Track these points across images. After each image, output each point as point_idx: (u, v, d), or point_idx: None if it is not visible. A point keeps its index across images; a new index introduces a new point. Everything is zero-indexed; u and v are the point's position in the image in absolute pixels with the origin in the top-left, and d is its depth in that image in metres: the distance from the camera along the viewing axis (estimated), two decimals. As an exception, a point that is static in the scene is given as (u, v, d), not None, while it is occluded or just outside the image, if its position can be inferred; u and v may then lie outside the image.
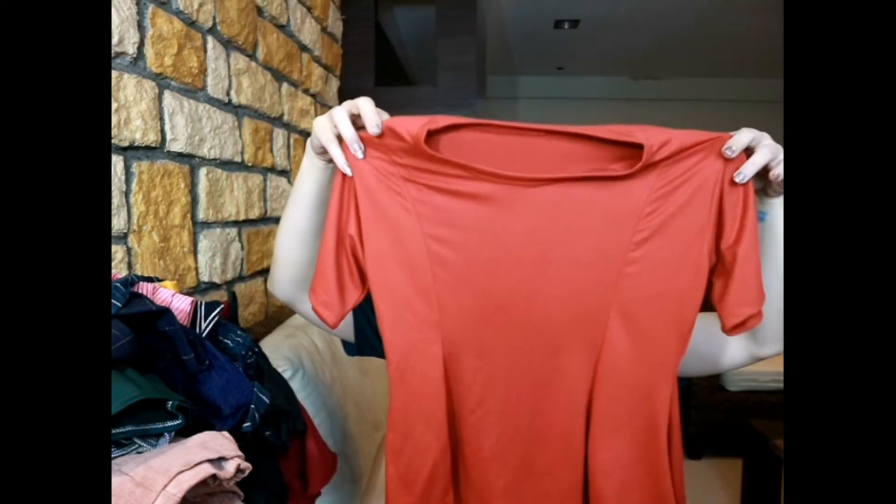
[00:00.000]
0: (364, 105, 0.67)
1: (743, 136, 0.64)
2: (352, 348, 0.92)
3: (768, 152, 0.64)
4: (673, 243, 0.65)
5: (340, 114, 0.68)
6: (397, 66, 3.54)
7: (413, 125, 0.65)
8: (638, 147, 0.63)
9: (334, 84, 2.19)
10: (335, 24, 2.19)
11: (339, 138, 0.69)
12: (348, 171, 0.68)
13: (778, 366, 2.62)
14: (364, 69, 2.29)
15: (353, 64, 2.26)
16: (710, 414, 2.68)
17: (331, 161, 0.72)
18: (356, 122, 0.68)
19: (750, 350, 0.77)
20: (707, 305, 0.68)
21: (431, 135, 0.66)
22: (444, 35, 2.29)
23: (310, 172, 0.76)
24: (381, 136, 0.66)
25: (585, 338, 0.68)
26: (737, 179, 0.64)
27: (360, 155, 0.68)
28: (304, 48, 1.86)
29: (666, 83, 4.97)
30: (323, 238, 0.71)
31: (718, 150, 0.64)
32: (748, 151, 0.65)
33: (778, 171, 0.65)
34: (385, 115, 0.69)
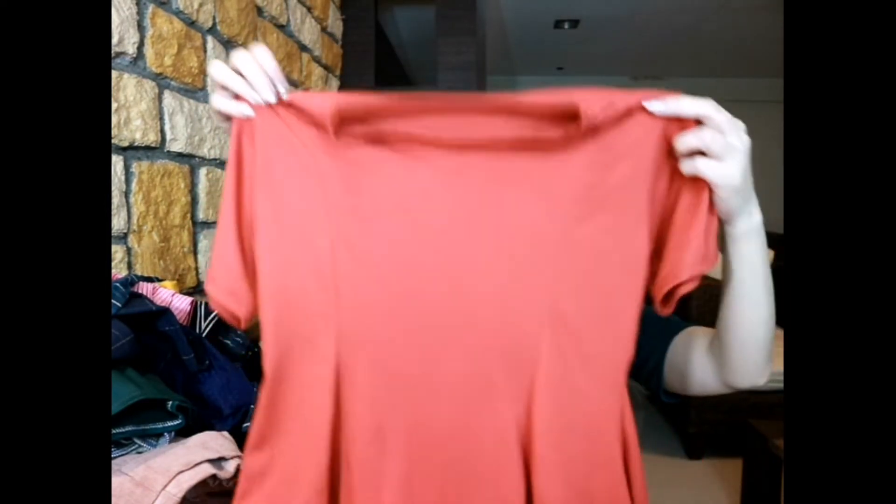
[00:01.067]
0: (260, 54, 0.55)
1: (686, 105, 0.54)
2: None
3: (694, 139, 0.53)
4: (614, 222, 0.55)
5: (216, 68, 0.56)
6: (397, 66, 3.54)
7: (322, 107, 0.54)
8: (575, 116, 0.53)
9: (334, 84, 2.19)
10: (335, 24, 2.19)
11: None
12: (248, 112, 0.55)
13: (778, 366, 2.62)
14: (364, 69, 2.29)
15: (353, 64, 2.26)
16: (710, 414, 2.68)
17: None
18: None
19: (721, 377, 0.68)
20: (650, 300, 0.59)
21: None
22: (444, 35, 2.29)
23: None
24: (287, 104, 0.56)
25: (517, 343, 0.55)
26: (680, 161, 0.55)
27: (258, 99, 0.55)
28: (303, 48, 1.86)
29: (666, 83, 4.98)
30: (220, 216, 0.57)
31: (660, 117, 0.55)
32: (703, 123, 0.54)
33: (703, 171, 0.53)
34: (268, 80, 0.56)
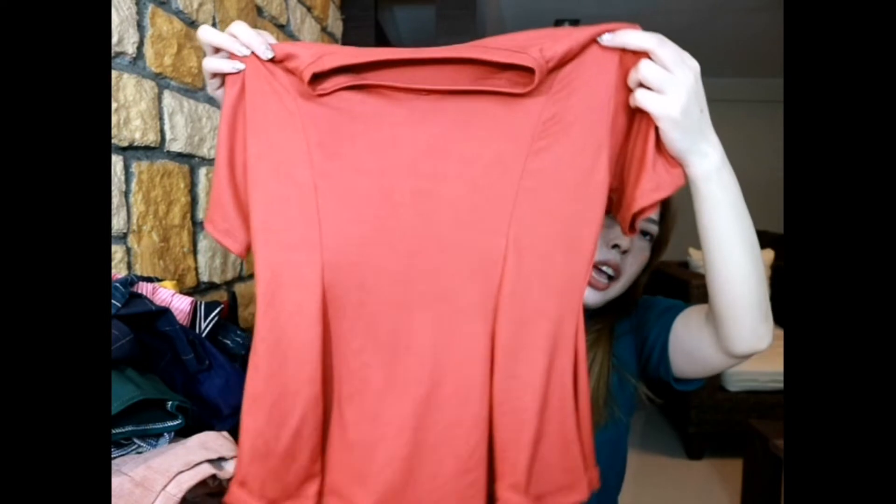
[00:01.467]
0: (239, 29, 0.63)
1: (633, 37, 0.56)
2: None
3: (635, 73, 0.56)
4: (572, 153, 0.59)
5: (203, 31, 0.64)
6: (397, 66, 3.54)
7: (301, 59, 0.60)
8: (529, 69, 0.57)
9: (334, 84, 2.19)
10: (335, 24, 2.19)
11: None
12: (238, 66, 0.62)
13: (778, 366, 2.62)
14: (364, 69, 2.29)
15: (353, 64, 2.25)
16: (710, 414, 2.68)
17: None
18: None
19: (720, 345, 0.69)
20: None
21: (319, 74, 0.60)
22: (444, 35, 2.29)
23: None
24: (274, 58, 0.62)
25: (483, 265, 0.60)
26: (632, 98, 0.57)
27: (245, 52, 0.61)
28: (303, 48, 1.86)
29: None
30: (216, 161, 0.64)
31: (615, 50, 0.58)
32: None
33: (648, 105, 0.55)
34: (267, 36, 0.63)
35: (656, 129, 0.57)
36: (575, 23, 3.59)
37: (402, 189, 0.61)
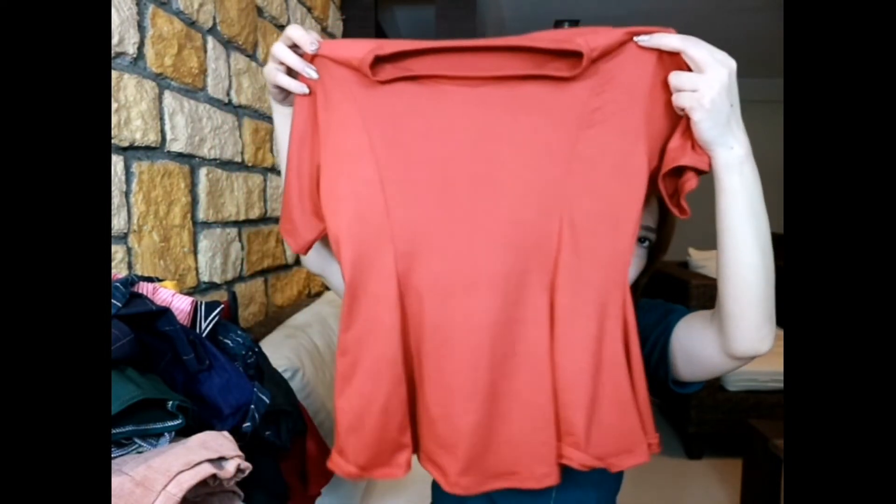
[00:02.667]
0: (294, 31, 0.68)
1: (668, 39, 0.61)
2: None
3: (673, 78, 0.61)
4: (615, 140, 0.64)
5: (278, 48, 0.68)
6: (397, 66, 3.53)
7: (359, 50, 0.64)
8: (577, 53, 0.62)
9: (334, 84, 2.19)
10: (335, 24, 2.19)
11: (290, 73, 0.69)
12: (305, 90, 0.68)
13: (778, 366, 2.62)
14: (364, 69, 2.29)
15: (353, 64, 2.25)
16: (710, 414, 2.68)
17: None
18: (296, 51, 0.69)
19: (722, 346, 0.70)
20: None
21: (379, 60, 0.65)
22: (444, 35, 2.29)
23: (281, 124, 0.76)
24: (318, 53, 0.67)
25: (539, 243, 0.66)
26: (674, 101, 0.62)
27: (314, 75, 0.67)
28: (304, 48, 1.86)
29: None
30: (286, 169, 0.70)
31: (652, 49, 0.63)
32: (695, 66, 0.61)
33: (682, 101, 0.60)
34: (316, 36, 0.69)
35: (688, 119, 0.62)
36: (575, 23, 3.59)
37: (461, 175, 0.66)
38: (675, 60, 0.62)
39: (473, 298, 0.66)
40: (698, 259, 3.17)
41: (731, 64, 0.61)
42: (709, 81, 0.59)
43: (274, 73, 0.69)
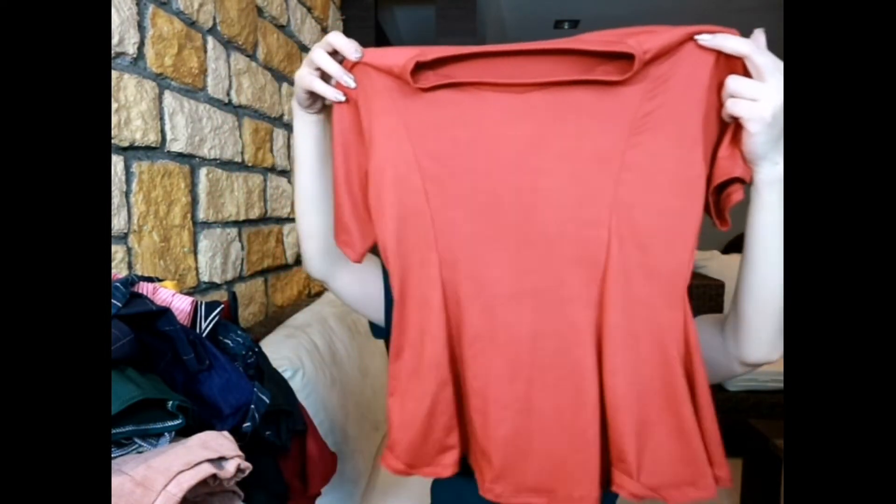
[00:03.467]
0: (336, 38, 0.66)
1: (733, 42, 0.57)
2: (380, 331, 0.89)
3: (731, 83, 0.57)
4: (669, 148, 0.60)
5: (318, 54, 0.67)
6: (397, 67, 3.53)
7: (400, 57, 0.63)
8: (628, 55, 0.59)
9: (334, 84, 2.19)
10: (335, 24, 2.19)
11: (324, 78, 0.69)
12: (341, 97, 0.67)
13: (778, 366, 2.61)
14: (364, 69, 2.28)
15: (354, 64, 2.25)
16: (710, 414, 2.68)
17: (320, 110, 0.73)
18: (335, 57, 0.68)
19: (734, 352, 0.70)
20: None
21: (420, 67, 0.63)
22: (444, 35, 2.29)
23: (303, 131, 0.75)
24: (361, 61, 0.66)
25: (586, 255, 0.63)
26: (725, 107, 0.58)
27: (352, 84, 0.66)
28: (304, 48, 1.86)
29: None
30: (334, 180, 0.70)
31: (711, 51, 0.59)
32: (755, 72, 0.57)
33: (738, 110, 0.57)
34: (357, 44, 0.67)
35: (739, 128, 0.58)
36: (575, 23, 3.59)
37: (505, 186, 0.64)
38: (729, 64, 0.58)
39: (513, 310, 0.66)
40: (698, 259, 3.17)
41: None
42: (770, 91, 0.56)
43: (309, 79, 0.68)
